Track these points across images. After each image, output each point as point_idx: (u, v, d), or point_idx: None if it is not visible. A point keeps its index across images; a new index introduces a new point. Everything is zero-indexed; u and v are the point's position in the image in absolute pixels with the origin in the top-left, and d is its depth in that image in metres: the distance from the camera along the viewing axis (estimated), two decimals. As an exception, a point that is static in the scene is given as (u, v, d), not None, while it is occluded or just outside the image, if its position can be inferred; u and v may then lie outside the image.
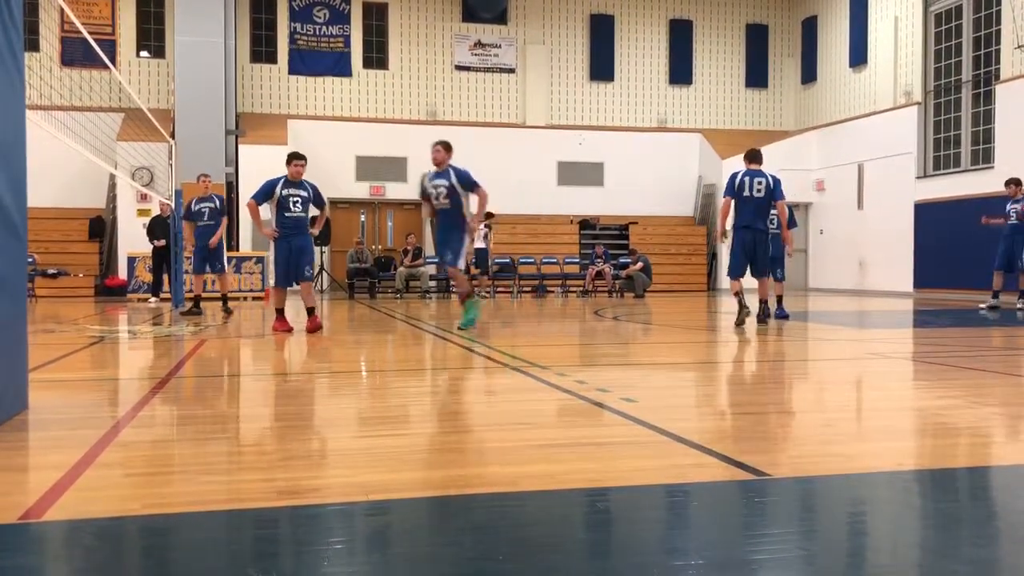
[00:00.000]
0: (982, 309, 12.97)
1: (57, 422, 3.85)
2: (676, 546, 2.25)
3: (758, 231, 9.18)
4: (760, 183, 9.11)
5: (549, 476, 2.87)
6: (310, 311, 8.68)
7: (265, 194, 8.77)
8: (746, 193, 9.11)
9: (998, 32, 17.22)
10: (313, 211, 9.07)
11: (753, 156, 9.43)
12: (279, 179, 8.80)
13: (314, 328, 8.53)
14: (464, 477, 2.86)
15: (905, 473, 2.98)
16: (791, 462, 3.09)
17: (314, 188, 9.01)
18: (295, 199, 8.73)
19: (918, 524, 2.45)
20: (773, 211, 10.17)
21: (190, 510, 2.47)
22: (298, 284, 8.96)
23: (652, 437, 3.49)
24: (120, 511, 2.46)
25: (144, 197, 18.12)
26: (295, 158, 8.90)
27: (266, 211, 8.84)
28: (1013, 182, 13.08)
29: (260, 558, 2.12)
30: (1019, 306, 12.73)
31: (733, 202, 9.17)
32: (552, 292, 20.00)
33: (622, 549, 2.16)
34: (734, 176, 9.26)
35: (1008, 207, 13.04)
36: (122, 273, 17.99)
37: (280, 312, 8.80)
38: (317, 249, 19.03)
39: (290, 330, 8.58)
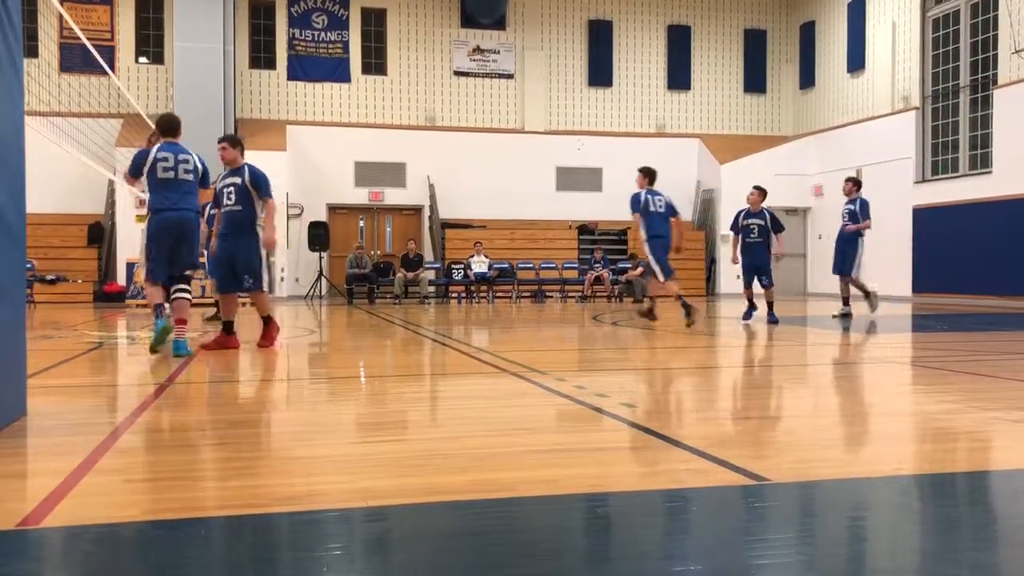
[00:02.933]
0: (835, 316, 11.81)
1: (56, 428, 3.85)
2: (676, 551, 2.24)
3: (667, 238, 10.06)
4: (659, 200, 10.04)
5: (548, 481, 2.87)
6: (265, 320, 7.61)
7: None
8: (652, 209, 9.98)
9: (995, 37, 17.25)
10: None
11: (650, 177, 10.12)
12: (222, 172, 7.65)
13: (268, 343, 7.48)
14: (463, 483, 2.85)
15: (904, 477, 2.98)
16: (790, 467, 3.09)
17: (253, 171, 7.50)
18: (228, 189, 7.51)
19: (917, 528, 2.45)
20: (759, 220, 10.92)
21: (189, 516, 2.47)
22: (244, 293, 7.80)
23: (651, 442, 3.49)
24: (119, 517, 2.46)
25: (143, 203, 18.11)
26: (219, 141, 7.64)
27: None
28: (851, 181, 12.31)
29: (259, 564, 2.12)
30: (838, 312, 11.73)
31: (642, 216, 9.99)
32: (551, 297, 20.00)
33: (621, 555, 2.16)
34: (637, 196, 10.07)
35: (843, 208, 12.18)
36: (121, 279, 17.97)
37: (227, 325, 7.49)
38: (315, 255, 19.32)
39: (228, 347, 7.35)
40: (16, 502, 2.62)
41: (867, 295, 12.06)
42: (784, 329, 10.00)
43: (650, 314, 10.54)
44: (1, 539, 2.26)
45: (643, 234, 10.03)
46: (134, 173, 6.99)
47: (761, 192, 11.10)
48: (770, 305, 10.82)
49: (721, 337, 9.20)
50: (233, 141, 7.59)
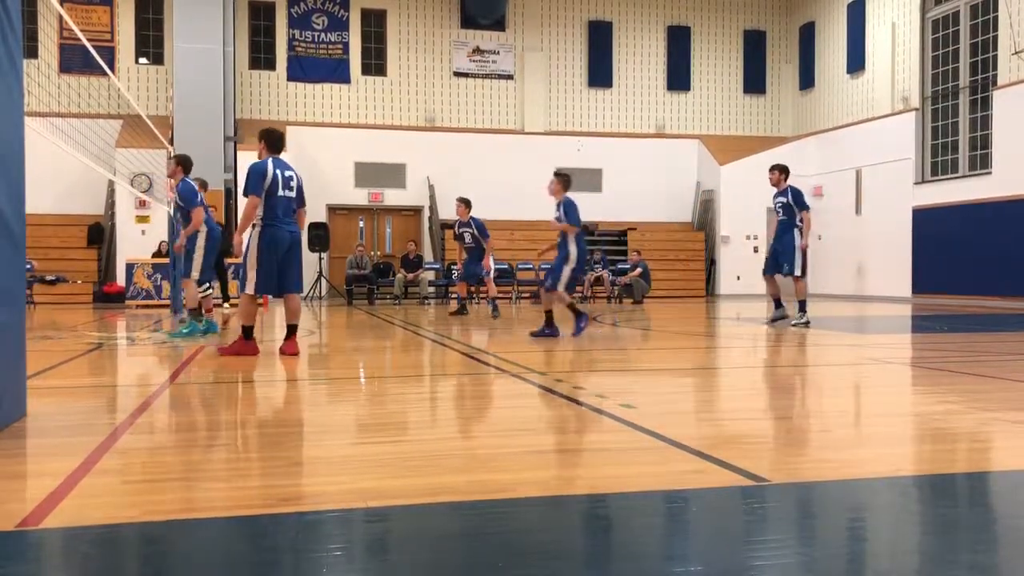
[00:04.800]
0: (767, 324, 10.64)
1: (55, 429, 3.85)
2: (675, 553, 2.24)
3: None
4: None
5: (547, 483, 2.87)
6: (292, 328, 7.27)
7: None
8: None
9: (995, 38, 17.27)
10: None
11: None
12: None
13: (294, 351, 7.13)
14: (462, 483, 2.85)
15: (903, 478, 2.98)
16: (790, 468, 3.09)
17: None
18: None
19: (916, 529, 2.45)
20: (556, 212, 9.07)
21: (188, 517, 2.47)
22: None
23: (650, 443, 3.49)
24: (118, 518, 2.46)
25: (143, 204, 18.13)
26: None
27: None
28: (778, 169, 10.63)
29: (259, 565, 2.12)
30: (781, 319, 10.43)
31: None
32: (551, 298, 19.97)
33: (621, 556, 2.16)
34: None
35: (773, 201, 10.60)
36: (120, 280, 17.97)
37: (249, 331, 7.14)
38: (315, 256, 19.31)
39: (244, 354, 6.95)
40: (16, 503, 2.61)
41: (783, 304, 10.52)
42: (782, 330, 9.99)
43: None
44: (1, 540, 2.26)
45: None
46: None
47: (561, 179, 9.14)
48: (573, 311, 9.09)
49: (720, 338, 9.20)
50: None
